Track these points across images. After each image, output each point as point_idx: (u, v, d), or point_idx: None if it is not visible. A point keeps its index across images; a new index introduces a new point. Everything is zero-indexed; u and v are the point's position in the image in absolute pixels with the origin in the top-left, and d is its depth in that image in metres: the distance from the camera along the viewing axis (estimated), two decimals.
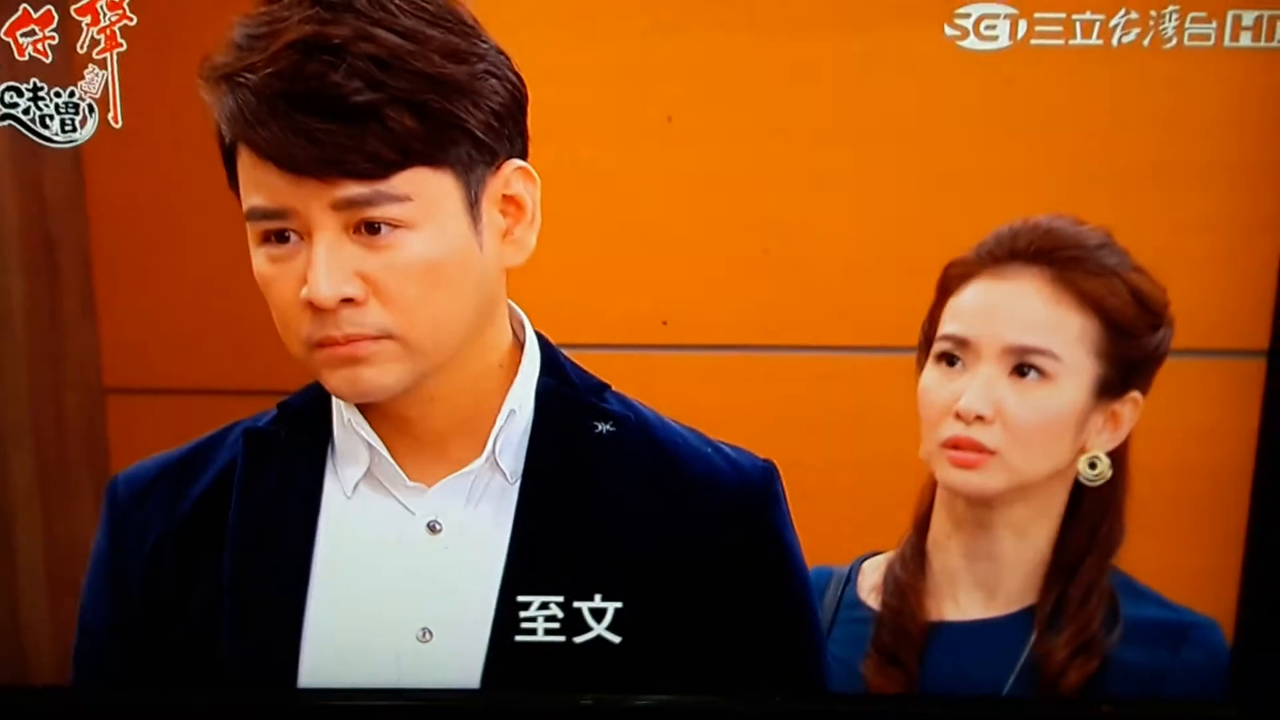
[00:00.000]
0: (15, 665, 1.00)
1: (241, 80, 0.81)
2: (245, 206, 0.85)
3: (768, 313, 0.95)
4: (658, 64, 0.91)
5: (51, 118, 0.91)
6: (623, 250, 0.94)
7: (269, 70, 0.81)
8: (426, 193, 0.84)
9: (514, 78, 0.87)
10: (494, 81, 0.85)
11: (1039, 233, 0.94)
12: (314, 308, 0.84)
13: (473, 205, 0.86)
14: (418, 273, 0.85)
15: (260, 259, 0.86)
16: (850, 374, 0.96)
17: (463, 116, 0.84)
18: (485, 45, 0.86)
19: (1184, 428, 0.97)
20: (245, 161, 0.84)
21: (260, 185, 0.84)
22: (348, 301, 0.84)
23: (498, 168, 0.87)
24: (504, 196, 0.88)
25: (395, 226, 0.84)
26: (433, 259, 0.85)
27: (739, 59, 0.91)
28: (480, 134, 0.85)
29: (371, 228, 0.84)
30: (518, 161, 0.88)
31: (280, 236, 0.85)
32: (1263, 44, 0.91)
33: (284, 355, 0.89)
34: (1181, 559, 0.99)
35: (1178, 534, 0.99)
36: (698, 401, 0.95)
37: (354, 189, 0.83)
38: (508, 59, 0.87)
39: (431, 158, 0.84)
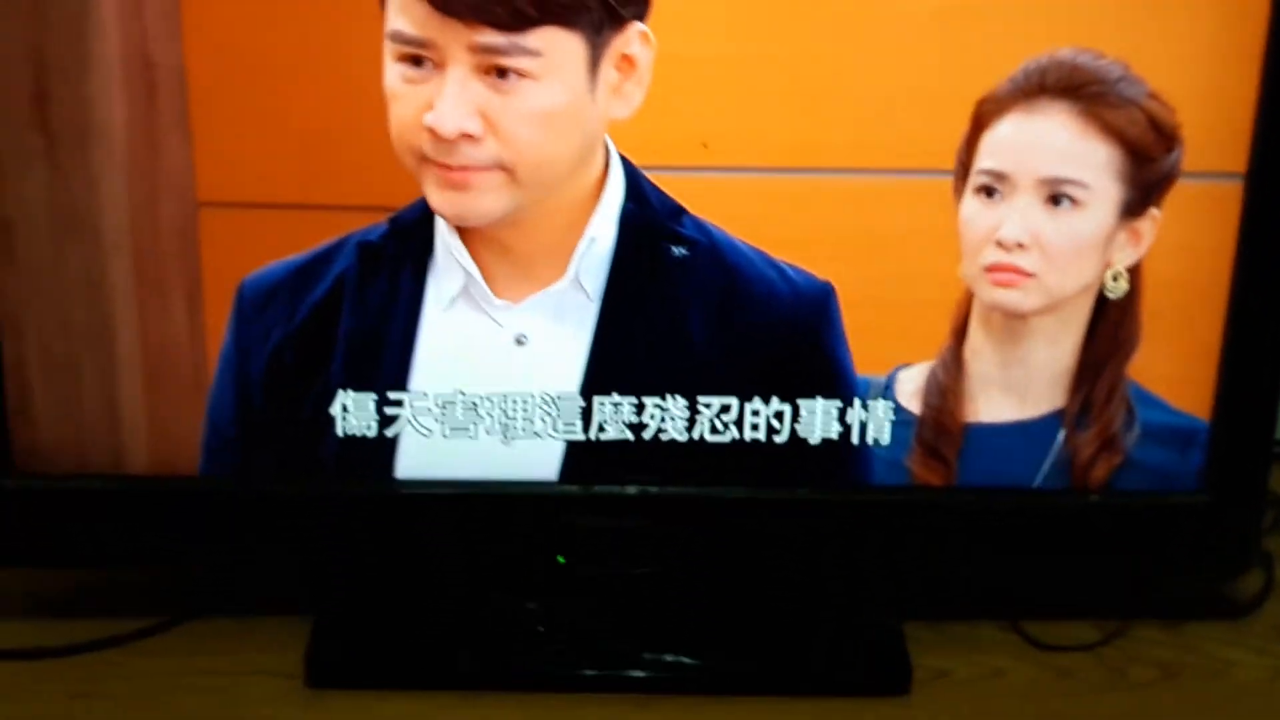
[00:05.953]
0: (113, 455, 1.05)
1: None
2: (389, 28, 0.92)
3: (802, 138, 1.00)
4: None
5: None
6: (668, 78, 0.97)
7: None
8: (556, 49, 0.91)
9: None
10: None
11: (1065, 69, 0.98)
12: (433, 133, 0.92)
13: (594, 64, 0.93)
14: (535, 119, 0.92)
15: (393, 75, 0.93)
16: (879, 194, 1.01)
17: None
18: None
19: (1169, 245, 1.02)
20: None
21: (409, 13, 0.91)
22: (466, 136, 0.92)
23: (622, 29, 0.93)
24: (622, 55, 0.94)
25: (521, 75, 0.91)
26: (550, 109, 0.92)
27: None
28: (613, 1, 0.92)
29: (500, 73, 0.91)
30: (640, 25, 0.94)
31: (415, 61, 0.92)
32: None
33: (362, 170, 0.97)
34: (1161, 365, 1.06)
35: (1162, 342, 1.05)
36: (737, 219, 1.01)
37: (493, 37, 0.90)
38: None
39: (566, 19, 0.91)
